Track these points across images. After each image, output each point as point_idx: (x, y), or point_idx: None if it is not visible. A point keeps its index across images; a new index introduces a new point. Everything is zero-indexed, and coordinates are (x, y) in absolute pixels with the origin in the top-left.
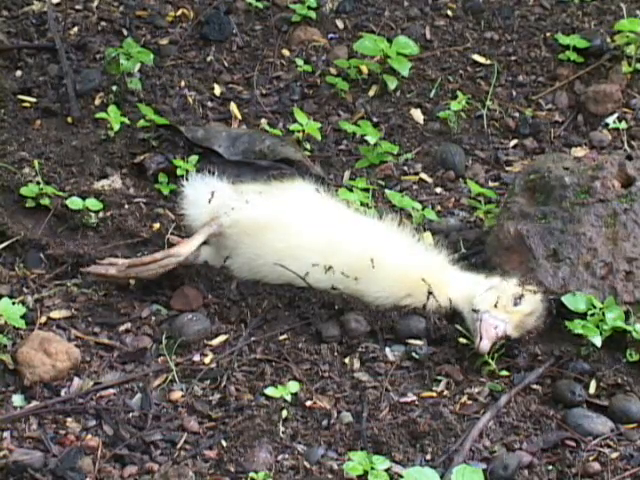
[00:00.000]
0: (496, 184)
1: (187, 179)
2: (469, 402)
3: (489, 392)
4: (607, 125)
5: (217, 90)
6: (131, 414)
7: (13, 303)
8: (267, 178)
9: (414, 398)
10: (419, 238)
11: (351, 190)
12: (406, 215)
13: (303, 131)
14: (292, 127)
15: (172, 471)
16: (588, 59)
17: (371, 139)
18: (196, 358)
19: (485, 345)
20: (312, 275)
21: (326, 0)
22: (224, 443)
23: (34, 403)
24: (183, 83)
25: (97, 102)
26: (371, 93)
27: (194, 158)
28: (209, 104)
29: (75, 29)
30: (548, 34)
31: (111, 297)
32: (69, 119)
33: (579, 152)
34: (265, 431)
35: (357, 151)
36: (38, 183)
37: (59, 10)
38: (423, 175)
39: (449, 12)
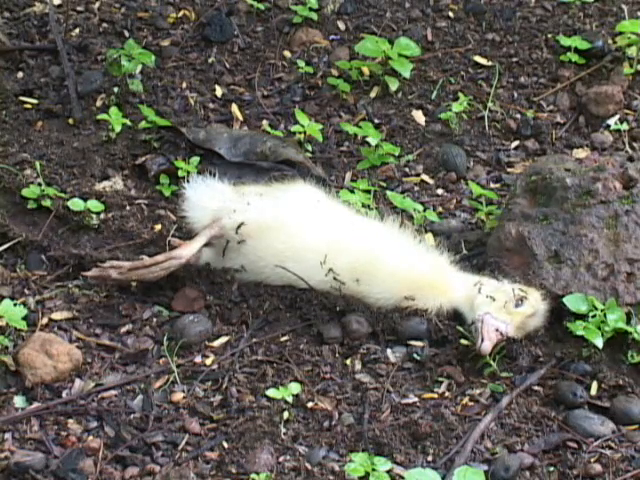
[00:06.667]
0: (497, 185)
1: (188, 181)
2: (470, 403)
3: (490, 393)
4: (608, 126)
5: (218, 91)
6: (132, 415)
7: (14, 304)
8: (268, 179)
9: (415, 399)
10: (420, 239)
11: (352, 191)
12: (407, 216)
13: (304, 132)
14: (293, 128)
15: (173, 472)
16: (589, 60)
17: (372, 140)
18: (197, 359)
19: (486, 346)
20: (313, 277)
21: (327, 1)
22: (225, 444)
23: (35, 404)
24: (184, 84)
25: (98, 103)
26: (372, 94)
27: (195, 159)
28: (210, 105)
29: (76, 30)
30: (549, 35)
31: (112, 298)
32: (70, 120)
33: (580, 153)
34: (266, 432)
35: (358, 152)
36: (39, 184)
37: (60, 11)
38: (424, 176)
39: (450, 13)
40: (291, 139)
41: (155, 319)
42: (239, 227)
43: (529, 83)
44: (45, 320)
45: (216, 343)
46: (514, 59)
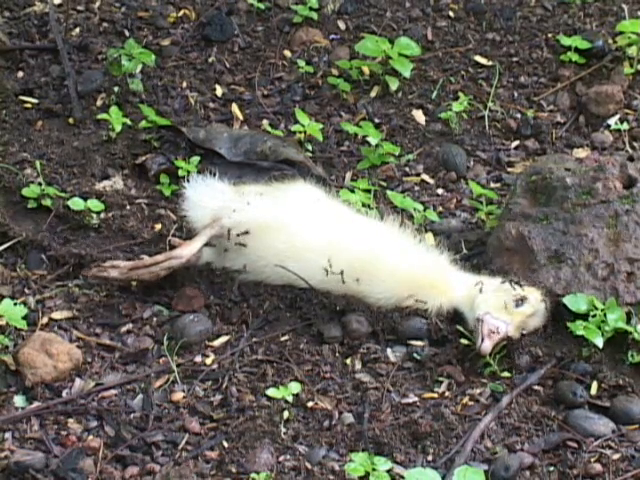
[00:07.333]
0: (498, 185)
1: (188, 180)
2: (470, 403)
3: (490, 393)
4: (609, 126)
5: (219, 91)
6: (132, 415)
7: (15, 304)
8: (269, 179)
9: (415, 399)
10: (420, 239)
11: (353, 191)
12: (407, 216)
13: (305, 132)
14: (294, 128)
15: (173, 472)
16: (590, 60)
17: (372, 140)
18: (197, 359)
19: (486, 346)
20: (314, 276)
21: (328, 1)
22: (225, 444)
23: (36, 404)
24: (185, 84)
25: (99, 103)
26: (373, 94)
27: (196, 159)
28: (211, 105)
29: (77, 30)
30: (550, 35)
31: (113, 298)
32: (71, 120)
33: (581, 153)
34: (266, 432)
35: (359, 152)
36: (40, 184)
37: (61, 11)
38: (425, 176)
39: (451, 13)
40: (291, 139)
41: (155, 318)
42: (242, 234)
43: (529, 83)
44: (45, 319)
45: (216, 343)
46: (514, 59)
